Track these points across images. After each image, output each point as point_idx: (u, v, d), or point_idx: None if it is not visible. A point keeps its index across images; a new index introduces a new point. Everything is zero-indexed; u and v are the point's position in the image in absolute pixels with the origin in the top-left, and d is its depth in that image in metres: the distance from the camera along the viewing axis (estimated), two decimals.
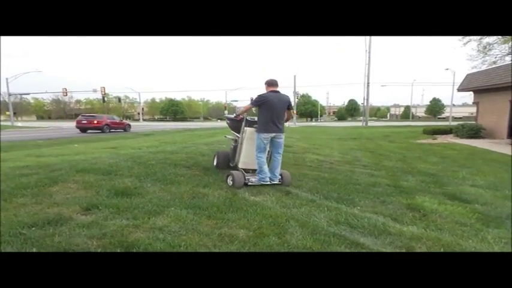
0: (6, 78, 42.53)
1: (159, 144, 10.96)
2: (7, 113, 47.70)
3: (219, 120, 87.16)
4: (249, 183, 4.76)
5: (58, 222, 3.16)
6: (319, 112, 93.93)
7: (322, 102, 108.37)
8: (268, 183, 4.89)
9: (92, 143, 13.46)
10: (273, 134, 4.98)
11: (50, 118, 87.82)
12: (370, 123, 40.80)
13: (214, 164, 5.81)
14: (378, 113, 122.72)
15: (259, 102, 4.87)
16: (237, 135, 5.31)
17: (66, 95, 56.94)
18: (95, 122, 23.90)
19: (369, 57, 37.16)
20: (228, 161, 5.56)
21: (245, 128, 5.13)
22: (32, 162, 6.08)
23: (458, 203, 4.38)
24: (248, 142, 5.10)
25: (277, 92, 5.01)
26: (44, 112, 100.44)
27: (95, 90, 48.78)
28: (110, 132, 23.68)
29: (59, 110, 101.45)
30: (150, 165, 5.67)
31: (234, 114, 5.55)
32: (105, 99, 56.96)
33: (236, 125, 5.37)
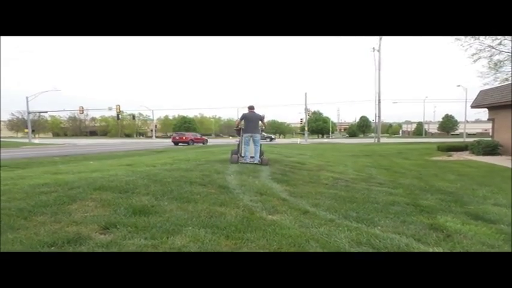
0: (27, 97, 43.71)
1: (173, 162, 10.99)
2: (25, 130, 48.79)
3: (230, 137, 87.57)
4: (240, 162, 8.95)
5: (77, 241, 3.13)
6: (330, 129, 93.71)
7: (334, 119, 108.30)
8: (250, 162, 9.11)
9: (107, 160, 13.60)
10: (251, 134, 9.59)
11: (65, 135, 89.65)
12: (382, 140, 40.40)
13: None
14: (390, 129, 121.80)
15: (242, 118, 9.84)
16: None
17: (83, 113, 58.20)
18: (184, 138, 34.64)
19: (379, 74, 37.20)
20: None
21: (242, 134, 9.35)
22: (50, 179, 6.13)
23: (482, 223, 4.23)
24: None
25: (253, 111, 9.85)
26: (60, 129, 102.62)
27: (110, 108, 49.76)
28: (193, 145, 33.25)
29: (74, 127, 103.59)
30: (166, 183, 5.66)
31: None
32: (120, 116, 58.00)
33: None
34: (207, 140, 39.20)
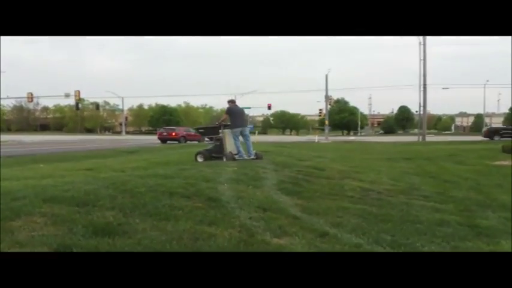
0: None
1: (148, 166, 11.01)
2: None
3: None
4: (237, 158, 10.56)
5: None
6: (359, 123, 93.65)
7: (363, 109, 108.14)
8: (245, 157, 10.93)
9: (62, 162, 13.67)
10: (241, 128, 11.78)
11: (9, 130, 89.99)
12: (428, 138, 40.34)
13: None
14: (439, 123, 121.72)
15: (228, 112, 11.78)
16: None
17: (32, 101, 58.49)
18: (173, 133, 35.76)
19: (425, 50, 37.02)
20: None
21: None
22: None
23: None
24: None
25: (236, 105, 12.20)
26: (2, 122, 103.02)
27: (67, 95, 49.96)
28: (185, 143, 33.60)
29: (21, 120, 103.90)
30: (138, 193, 5.66)
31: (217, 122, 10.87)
32: (80, 105, 58.13)
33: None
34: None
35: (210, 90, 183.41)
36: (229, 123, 11.88)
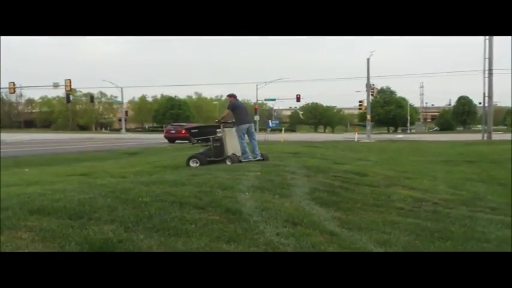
0: None
1: (153, 170, 11.12)
2: None
3: None
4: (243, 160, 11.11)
5: None
6: (408, 117, 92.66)
7: (414, 101, 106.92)
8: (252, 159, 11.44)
9: (50, 166, 13.93)
10: (248, 125, 12.30)
11: None
12: (495, 136, 39.66)
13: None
14: (509, 118, 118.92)
15: (233, 108, 12.27)
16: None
17: (14, 92, 59.63)
18: (184, 131, 34.40)
19: None
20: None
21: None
22: None
23: None
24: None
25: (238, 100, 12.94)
26: None
27: (56, 85, 50.73)
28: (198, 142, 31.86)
29: (1, 115, 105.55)
30: (142, 204, 5.72)
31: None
32: (71, 98, 59.04)
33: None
34: None
35: (226, 79, 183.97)
36: (229, 121, 12.44)
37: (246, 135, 12.25)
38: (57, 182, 8.33)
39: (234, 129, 12.30)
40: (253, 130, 12.81)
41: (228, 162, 11.40)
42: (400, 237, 5.08)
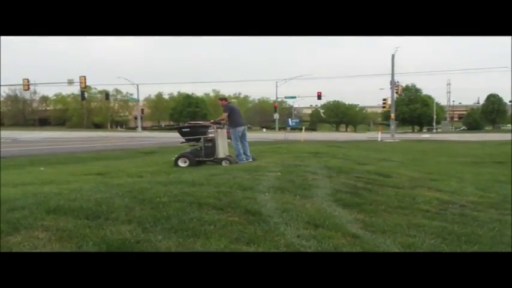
0: None
1: (170, 170, 11.19)
2: None
3: (265, 130, 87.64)
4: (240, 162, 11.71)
5: None
6: (434, 116, 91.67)
7: (440, 99, 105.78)
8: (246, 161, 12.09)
9: (66, 165, 14.10)
10: (243, 127, 13.24)
11: (2, 124, 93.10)
12: None
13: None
14: None
15: (229, 110, 12.98)
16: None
17: (28, 89, 60.40)
18: None
19: None
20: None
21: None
22: None
23: None
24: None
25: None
26: None
27: (70, 82, 51.21)
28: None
29: (16, 113, 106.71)
30: (160, 204, 5.77)
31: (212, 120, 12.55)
32: (86, 95, 59.56)
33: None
34: None
35: (245, 76, 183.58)
36: (219, 123, 13.22)
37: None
38: (73, 181, 8.43)
39: (224, 130, 13.08)
40: (246, 132, 13.62)
41: (225, 164, 11.97)
42: (425, 240, 5.05)
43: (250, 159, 12.79)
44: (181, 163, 12.30)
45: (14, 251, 4.07)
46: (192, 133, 13.09)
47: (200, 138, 12.71)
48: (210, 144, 12.53)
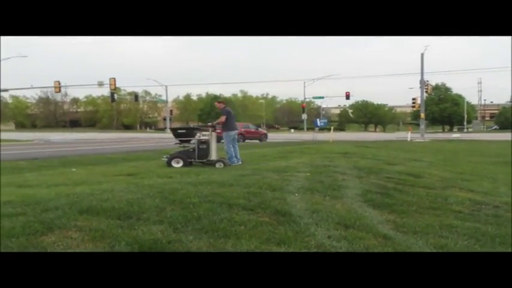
0: None
1: (199, 170, 11.26)
2: None
3: (292, 130, 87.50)
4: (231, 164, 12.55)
5: None
6: (465, 115, 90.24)
7: (471, 98, 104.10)
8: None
9: (97, 165, 14.26)
10: (236, 131, 13.80)
11: (34, 126, 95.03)
12: None
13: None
14: None
15: (228, 113, 13.37)
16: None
17: (60, 91, 61.42)
18: None
19: None
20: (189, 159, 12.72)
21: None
22: (15, 195, 6.57)
23: None
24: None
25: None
26: (27, 117, 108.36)
27: (101, 84, 51.98)
28: (244, 142, 34.69)
29: (47, 114, 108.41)
30: (191, 205, 5.81)
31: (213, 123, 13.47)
32: (115, 96, 60.32)
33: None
34: (266, 134, 42.00)
35: (273, 76, 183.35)
36: (213, 125, 13.57)
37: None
38: (104, 182, 8.53)
39: (214, 133, 13.32)
40: (236, 136, 14.14)
41: (218, 166, 12.48)
42: (458, 241, 4.99)
43: (240, 162, 13.22)
44: (175, 164, 12.60)
45: (48, 250, 4.16)
46: (187, 135, 13.44)
47: (194, 140, 13.09)
48: (204, 146, 12.88)
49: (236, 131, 13.95)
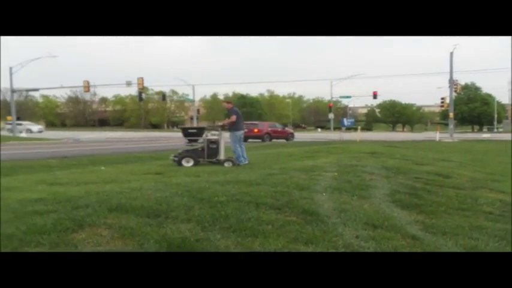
0: (10, 68, 47.85)
1: (227, 169, 11.33)
2: (8, 118, 53.27)
3: (319, 130, 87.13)
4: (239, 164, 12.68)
5: None
6: (495, 115, 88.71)
7: (502, 97, 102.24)
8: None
9: (125, 164, 14.43)
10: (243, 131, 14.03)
11: (64, 125, 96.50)
12: None
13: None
14: None
15: (236, 113, 13.41)
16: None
17: (89, 91, 62.24)
18: (256, 130, 36.82)
19: None
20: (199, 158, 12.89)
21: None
22: (46, 193, 6.71)
23: None
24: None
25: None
26: (56, 116, 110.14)
27: (129, 84, 52.29)
28: (270, 141, 35.77)
29: (77, 114, 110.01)
30: (218, 203, 5.85)
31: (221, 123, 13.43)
32: (143, 96, 60.86)
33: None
34: (292, 133, 41.84)
35: (299, 76, 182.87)
36: (223, 125, 13.95)
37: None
38: (133, 180, 8.63)
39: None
40: (243, 136, 14.21)
41: (227, 165, 12.68)
42: (489, 243, 4.93)
43: (247, 162, 13.30)
44: (185, 163, 12.74)
45: (78, 247, 4.24)
46: (197, 134, 13.60)
47: (202, 140, 13.32)
48: (214, 146, 13.11)
49: (242, 131, 14.03)
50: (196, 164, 12.68)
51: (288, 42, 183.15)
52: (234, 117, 13.47)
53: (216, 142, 13.14)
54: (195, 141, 13.44)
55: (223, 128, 13.71)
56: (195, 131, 13.96)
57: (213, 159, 12.96)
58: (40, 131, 61.33)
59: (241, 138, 13.78)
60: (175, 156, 13.17)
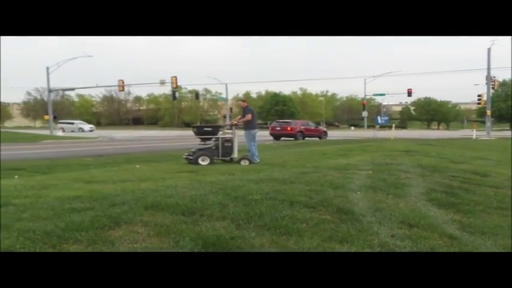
0: (47, 68, 48.84)
1: (260, 168, 11.33)
2: (45, 117, 54.47)
3: (353, 128, 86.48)
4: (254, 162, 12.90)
5: None
6: None
7: None
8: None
9: (160, 162, 14.62)
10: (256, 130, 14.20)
11: (99, 124, 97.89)
12: None
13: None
14: None
15: (252, 112, 13.81)
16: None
17: (123, 90, 63.03)
18: (289, 128, 37.90)
19: None
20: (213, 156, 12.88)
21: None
22: (83, 191, 6.83)
23: None
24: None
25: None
26: (92, 115, 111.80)
27: (162, 83, 52.72)
28: (303, 139, 35.98)
29: (111, 112, 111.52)
30: (253, 201, 5.87)
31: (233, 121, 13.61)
32: (177, 94, 61.25)
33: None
34: (325, 132, 42.01)
35: (332, 74, 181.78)
36: (237, 123, 13.93)
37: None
38: (167, 179, 8.71)
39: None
40: (256, 135, 14.30)
41: (244, 163, 12.70)
42: None
43: (258, 160, 13.42)
44: (202, 161, 12.72)
45: (115, 244, 4.31)
46: (213, 133, 13.58)
47: (218, 138, 13.31)
48: (229, 144, 13.18)
49: (256, 130, 14.12)
50: (211, 162, 12.75)
51: (321, 41, 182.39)
52: (249, 116, 13.62)
53: (230, 140, 13.23)
54: (209, 139, 13.48)
55: (236, 126, 13.79)
56: (209, 129, 13.99)
57: (227, 158, 13.08)
58: (91, 130, 63.99)
59: (255, 136, 13.89)
60: (188, 155, 13.18)
